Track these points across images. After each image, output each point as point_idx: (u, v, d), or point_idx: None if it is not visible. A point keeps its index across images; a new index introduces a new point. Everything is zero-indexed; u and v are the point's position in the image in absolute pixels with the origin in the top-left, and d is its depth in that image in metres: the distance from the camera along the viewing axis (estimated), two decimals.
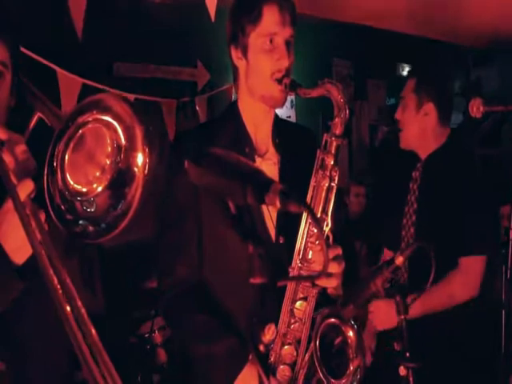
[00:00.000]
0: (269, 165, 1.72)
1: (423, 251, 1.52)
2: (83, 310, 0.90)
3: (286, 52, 1.64)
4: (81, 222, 1.03)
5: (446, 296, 2.32)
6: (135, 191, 0.97)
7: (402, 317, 1.52)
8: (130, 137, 0.98)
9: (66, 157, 1.04)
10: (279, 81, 1.63)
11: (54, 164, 1.05)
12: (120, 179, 0.98)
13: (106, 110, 1.02)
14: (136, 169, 0.97)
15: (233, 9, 1.73)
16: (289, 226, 1.65)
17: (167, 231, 1.71)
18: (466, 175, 2.44)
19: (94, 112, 1.03)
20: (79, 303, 0.90)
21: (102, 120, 1.02)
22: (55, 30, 3.88)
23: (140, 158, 0.97)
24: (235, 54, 1.71)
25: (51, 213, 1.06)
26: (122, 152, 0.98)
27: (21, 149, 1.20)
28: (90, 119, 1.03)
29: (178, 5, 4.64)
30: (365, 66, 6.26)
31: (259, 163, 1.70)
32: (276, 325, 1.59)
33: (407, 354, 1.49)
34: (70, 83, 3.79)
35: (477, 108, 2.04)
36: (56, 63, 3.70)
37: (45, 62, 3.56)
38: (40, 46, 3.41)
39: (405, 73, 6.97)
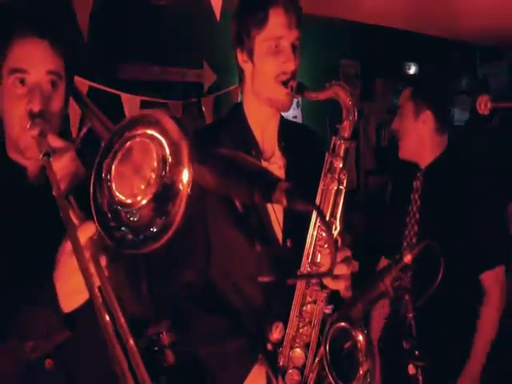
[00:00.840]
0: (275, 168, 1.71)
1: (430, 250, 1.52)
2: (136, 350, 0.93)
3: (291, 55, 1.63)
4: (122, 228, 1.03)
5: (491, 327, 2.35)
6: (178, 207, 0.97)
7: (411, 315, 1.51)
8: (175, 152, 0.99)
9: (113, 168, 1.05)
10: (285, 84, 1.62)
11: (102, 174, 1.06)
12: (164, 194, 0.99)
13: (154, 124, 1.02)
14: (181, 185, 0.97)
15: (237, 11, 1.72)
16: (296, 229, 1.64)
17: (174, 234, 1.71)
18: (467, 185, 2.44)
19: (142, 126, 1.04)
20: (131, 341, 0.94)
21: (150, 134, 1.02)
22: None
23: (185, 175, 0.97)
24: (241, 57, 1.71)
25: (95, 220, 1.05)
26: (167, 167, 0.99)
27: (70, 156, 1.23)
28: (138, 133, 1.04)
29: (184, 6, 4.64)
30: (372, 66, 6.24)
31: (265, 167, 1.69)
32: (284, 324, 1.59)
33: (416, 353, 1.49)
34: (76, 85, 3.80)
35: (484, 105, 2.03)
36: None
37: None
38: None
39: (411, 71, 6.95)
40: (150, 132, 1.02)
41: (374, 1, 4.33)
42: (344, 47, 6.05)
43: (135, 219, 1.01)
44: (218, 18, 3.13)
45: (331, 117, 5.52)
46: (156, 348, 3.38)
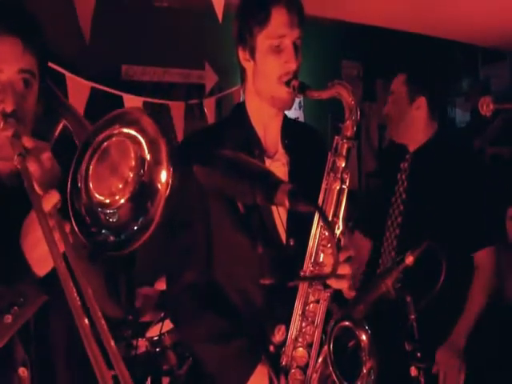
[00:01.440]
0: (278, 166, 1.71)
1: (432, 251, 1.51)
2: (103, 323, 0.91)
3: (293, 54, 1.63)
4: (103, 231, 1.03)
5: (482, 296, 2.36)
6: (157, 206, 0.98)
7: (413, 317, 1.51)
8: (154, 151, 0.99)
9: (91, 168, 1.05)
10: (287, 83, 1.62)
11: (78, 176, 1.06)
12: (143, 192, 0.99)
13: (132, 123, 1.02)
14: (159, 184, 0.98)
15: (239, 10, 1.72)
16: (299, 228, 1.64)
17: (176, 235, 1.70)
18: (455, 168, 2.47)
19: (119, 125, 1.04)
20: (99, 315, 0.91)
21: (127, 133, 1.02)
22: (63, 33, 3.90)
23: (164, 174, 0.97)
24: (243, 55, 1.71)
25: (74, 224, 1.06)
26: (145, 166, 0.99)
27: (46, 156, 1.21)
28: (115, 132, 1.04)
29: (186, 8, 4.65)
30: (374, 67, 6.24)
31: (269, 165, 1.69)
32: (286, 326, 1.58)
33: (418, 355, 1.49)
34: (78, 87, 3.80)
35: (487, 106, 2.03)
36: (64, 67, 3.71)
37: (53, 65, 3.57)
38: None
39: None
40: (127, 131, 1.02)
41: (375, 3, 4.32)
42: (345, 48, 6.05)
43: (114, 219, 1.01)
44: (220, 20, 3.13)
45: (333, 119, 5.53)
46: (158, 349, 3.38)
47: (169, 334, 3.38)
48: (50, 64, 1.46)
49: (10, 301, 1.16)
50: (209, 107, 4.80)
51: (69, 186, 1.06)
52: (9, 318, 1.15)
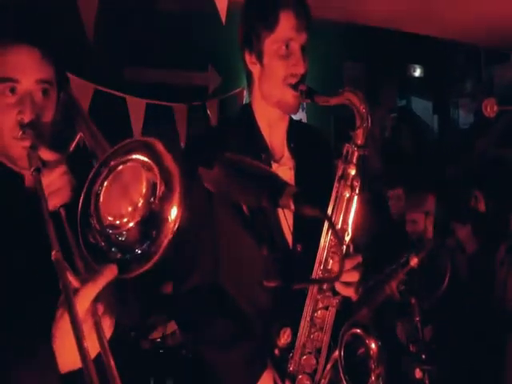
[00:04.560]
0: (284, 170, 1.70)
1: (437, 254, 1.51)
2: None
3: (301, 58, 1.62)
4: (113, 249, 1.03)
5: None
6: (164, 238, 0.99)
7: (418, 319, 1.51)
8: (169, 187, 1.01)
9: (104, 189, 1.05)
10: (294, 87, 1.61)
11: (91, 196, 1.05)
12: (152, 220, 1.00)
13: (150, 153, 1.03)
14: (169, 217, 1.00)
15: (245, 13, 1.70)
16: (306, 234, 1.63)
17: (182, 239, 1.69)
18: None
19: (142, 153, 1.04)
20: None
21: (143, 161, 1.03)
22: (66, 36, 3.91)
23: (175, 211, 1.00)
24: (249, 59, 1.69)
25: (82, 243, 1.04)
26: (157, 194, 1.01)
27: (61, 170, 1.20)
28: (134, 157, 1.04)
29: (189, 10, 4.65)
30: (376, 68, 6.24)
31: (275, 169, 1.67)
32: (292, 329, 1.57)
33: (423, 357, 1.48)
34: (82, 88, 3.81)
35: (491, 107, 2.03)
36: (68, 69, 3.72)
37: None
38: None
39: (416, 74, 6.94)
40: (144, 159, 1.02)
41: (379, 5, 4.32)
42: (348, 50, 6.05)
43: (123, 239, 1.02)
44: (223, 22, 3.14)
45: (336, 121, 5.53)
46: (161, 351, 3.39)
47: (172, 335, 3.38)
48: (65, 67, 1.46)
49: None
50: (212, 109, 4.81)
51: (80, 204, 1.05)
52: None
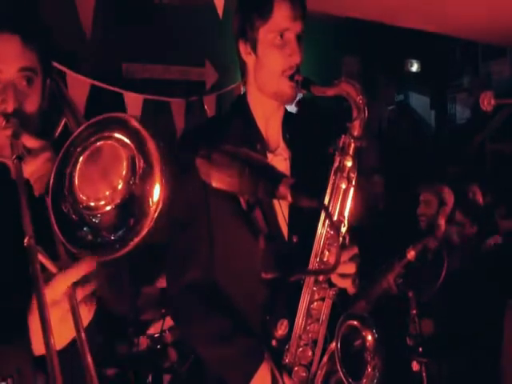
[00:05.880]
0: (280, 160, 1.69)
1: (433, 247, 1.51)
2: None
3: (297, 47, 1.60)
4: (85, 228, 1.00)
5: None
6: (144, 224, 0.96)
7: (415, 312, 1.51)
8: (148, 164, 0.97)
9: (78, 167, 1.03)
10: (291, 77, 1.59)
11: (65, 171, 1.03)
12: (131, 204, 0.97)
13: (131, 133, 1.00)
14: (151, 201, 0.96)
15: (241, 3, 1.69)
16: (302, 225, 1.62)
17: (177, 233, 1.67)
18: None
19: (118, 130, 1.01)
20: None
21: (121, 139, 1.00)
22: (64, 31, 3.90)
23: (157, 190, 0.96)
24: (244, 49, 1.68)
25: (54, 221, 1.02)
26: (137, 177, 0.97)
27: (46, 157, 1.19)
28: (108, 135, 1.02)
29: (186, 5, 4.65)
30: (374, 63, 6.24)
31: (270, 159, 1.67)
32: (289, 320, 1.57)
33: (420, 349, 1.49)
34: (79, 84, 3.80)
35: (488, 101, 2.02)
36: (65, 65, 3.72)
37: (54, 63, 3.57)
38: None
39: (414, 69, 6.94)
40: (121, 137, 1.00)
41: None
42: (346, 44, 6.04)
43: (97, 221, 0.99)
44: (220, 17, 3.13)
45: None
46: (159, 347, 3.39)
47: (170, 331, 3.38)
48: (50, 53, 1.44)
49: (6, 374, 1.08)
50: (209, 104, 4.80)
51: (52, 181, 1.03)
52: None
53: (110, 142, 1.01)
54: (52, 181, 1.03)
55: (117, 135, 1.01)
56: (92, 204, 0.99)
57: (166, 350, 3.40)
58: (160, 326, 3.36)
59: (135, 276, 1.46)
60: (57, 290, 1.02)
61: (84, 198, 1.00)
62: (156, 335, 3.36)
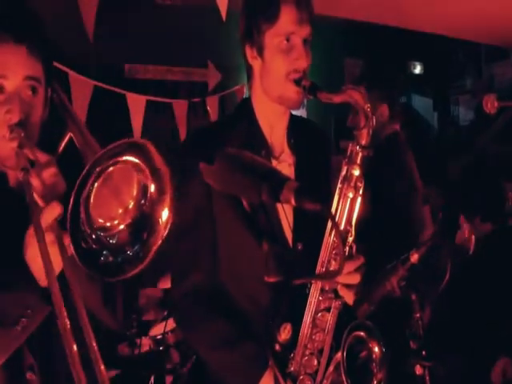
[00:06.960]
0: (284, 166, 1.68)
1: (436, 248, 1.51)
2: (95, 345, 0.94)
3: (304, 52, 1.58)
4: (104, 252, 1.04)
5: None
6: (155, 241, 1.02)
7: (418, 315, 1.51)
8: (158, 183, 1.02)
9: (93, 192, 1.05)
10: (297, 82, 1.57)
11: (81, 197, 1.05)
12: (142, 222, 1.02)
13: (140, 153, 1.03)
14: (160, 220, 1.01)
15: (246, 6, 1.67)
16: (307, 233, 1.61)
17: (181, 237, 1.64)
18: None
19: (128, 154, 1.04)
20: (91, 335, 0.95)
21: (133, 162, 1.03)
22: (66, 32, 3.90)
23: (166, 212, 1.01)
24: (250, 53, 1.66)
25: (72, 245, 1.05)
26: (147, 197, 1.02)
27: (50, 172, 1.19)
28: (124, 159, 1.04)
29: (189, 6, 4.65)
30: (376, 65, 6.23)
31: (275, 165, 1.65)
32: (292, 325, 1.57)
33: (423, 353, 1.48)
34: (81, 85, 3.81)
35: (491, 104, 2.02)
36: (68, 66, 3.72)
37: (56, 64, 3.57)
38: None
39: (416, 71, 6.93)
40: (133, 160, 1.03)
41: (379, 1, 4.32)
42: (349, 46, 6.04)
43: (114, 241, 1.03)
44: (223, 18, 3.12)
45: (336, 122, 5.52)
46: (161, 348, 3.39)
47: (172, 332, 3.38)
48: (53, 63, 1.44)
49: (19, 313, 1.15)
50: (212, 105, 4.81)
51: (70, 208, 1.04)
52: (17, 330, 1.15)
53: (123, 165, 1.04)
54: (71, 206, 1.04)
55: (131, 159, 1.04)
56: (108, 224, 1.03)
57: (168, 352, 3.40)
58: (162, 328, 3.36)
59: (129, 297, 1.48)
60: (45, 220, 1.11)
61: (100, 220, 1.04)
62: (158, 336, 3.37)
